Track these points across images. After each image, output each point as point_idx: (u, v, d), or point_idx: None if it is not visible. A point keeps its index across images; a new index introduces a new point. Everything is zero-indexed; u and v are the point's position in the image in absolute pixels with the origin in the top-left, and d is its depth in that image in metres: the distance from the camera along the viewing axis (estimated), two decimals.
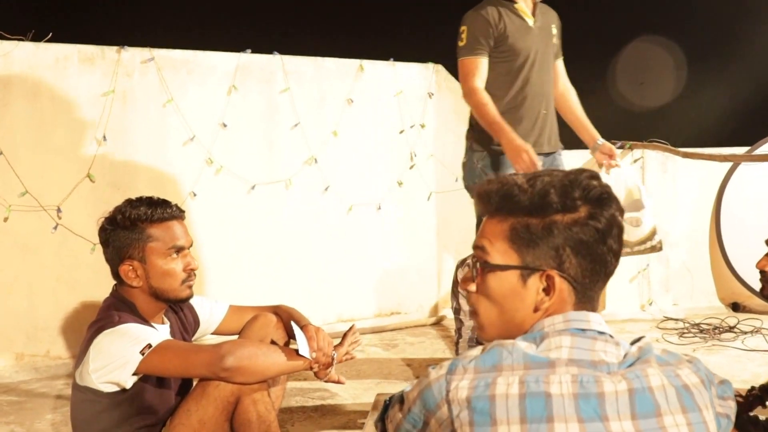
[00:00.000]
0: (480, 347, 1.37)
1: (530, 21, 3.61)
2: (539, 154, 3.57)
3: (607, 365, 1.31)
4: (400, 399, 1.48)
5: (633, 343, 1.39)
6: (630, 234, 3.89)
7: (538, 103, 3.64)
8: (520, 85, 3.60)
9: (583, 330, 1.35)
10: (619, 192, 3.94)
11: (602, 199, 1.37)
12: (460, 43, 3.58)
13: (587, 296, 1.39)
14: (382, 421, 1.57)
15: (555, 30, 3.74)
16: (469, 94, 3.54)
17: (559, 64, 3.88)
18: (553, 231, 1.35)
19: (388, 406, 1.58)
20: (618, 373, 1.30)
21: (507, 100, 3.59)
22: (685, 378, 1.32)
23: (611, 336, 1.36)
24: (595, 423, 1.25)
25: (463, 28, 3.58)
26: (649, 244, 3.95)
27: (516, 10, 3.58)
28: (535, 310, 1.39)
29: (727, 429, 1.45)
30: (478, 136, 3.63)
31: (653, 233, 3.94)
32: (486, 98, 3.49)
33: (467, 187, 3.78)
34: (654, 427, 1.26)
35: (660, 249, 4.03)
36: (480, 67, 3.54)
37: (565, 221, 1.36)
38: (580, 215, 1.36)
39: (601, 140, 3.84)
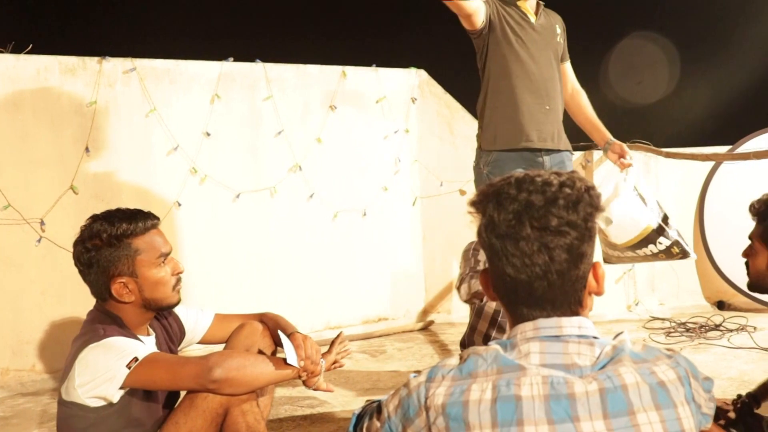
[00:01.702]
0: (458, 356, 1.39)
1: (532, 18, 3.59)
2: (543, 150, 3.57)
3: (580, 369, 1.32)
4: (378, 409, 1.49)
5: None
6: (612, 234, 3.66)
7: (540, 98, 3.58)
8: (520, 75, 3.55)
9: (556, 336, 1.35)
10: (608, 191, 3.73)
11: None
12: None
13: (533, 300, 1.37)
14: None
15: (559, 30, 3.71)
16: None
17: (568, 67, 3.85)
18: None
19: (359, 417, 1.58)
20: (590, 376, 1.31)
21: (508, 86, 3.56)
22: (661, 374, 1.32)
23: (595, 338, 1.37)
24: (566, 424, 1.26)
25: None
26: (653, 249, 3.63)
27: (519, 7, 3.58)
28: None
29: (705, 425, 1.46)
30: (484, 135, 3.61)
31: (650, 234, 3.59)
32: None
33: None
34: (626, 425, 1.27)
35: (681, 255, 3.66)
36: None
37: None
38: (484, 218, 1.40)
39: (612, 140, 3.82)
